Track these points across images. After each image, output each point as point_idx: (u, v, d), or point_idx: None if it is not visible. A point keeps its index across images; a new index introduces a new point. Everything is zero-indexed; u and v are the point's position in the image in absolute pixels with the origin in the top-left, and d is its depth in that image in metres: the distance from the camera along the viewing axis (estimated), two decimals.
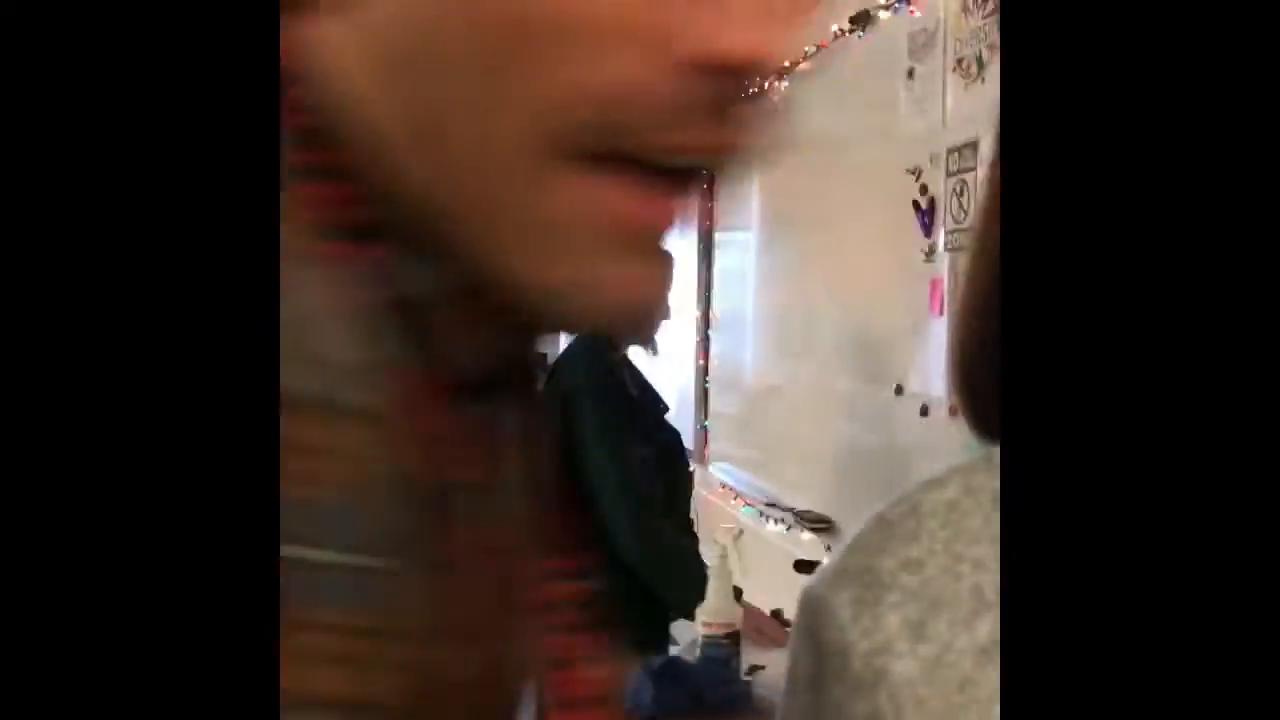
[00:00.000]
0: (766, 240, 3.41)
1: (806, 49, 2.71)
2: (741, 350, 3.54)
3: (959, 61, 2.08)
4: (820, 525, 2.65)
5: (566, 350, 2.38)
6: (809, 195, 2.88)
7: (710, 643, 1.85)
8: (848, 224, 2.64)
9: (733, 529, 2.00)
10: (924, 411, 2.18)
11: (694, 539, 2.34)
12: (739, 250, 3.60)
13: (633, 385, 2.30)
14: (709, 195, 3.70)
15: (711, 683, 1.80)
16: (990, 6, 1.96)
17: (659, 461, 2.24)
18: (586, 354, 2.27)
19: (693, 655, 1.91)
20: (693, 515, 2.53)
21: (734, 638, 1.86)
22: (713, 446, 3.84)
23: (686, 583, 2.06)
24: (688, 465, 2.43)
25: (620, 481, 2.12)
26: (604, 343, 2.25)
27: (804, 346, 2.94)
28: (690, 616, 1.99)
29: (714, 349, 3.85)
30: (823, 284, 2.80)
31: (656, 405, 2.39)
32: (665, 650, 2.16)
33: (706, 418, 3.97)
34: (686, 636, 2.21)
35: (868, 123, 2.52)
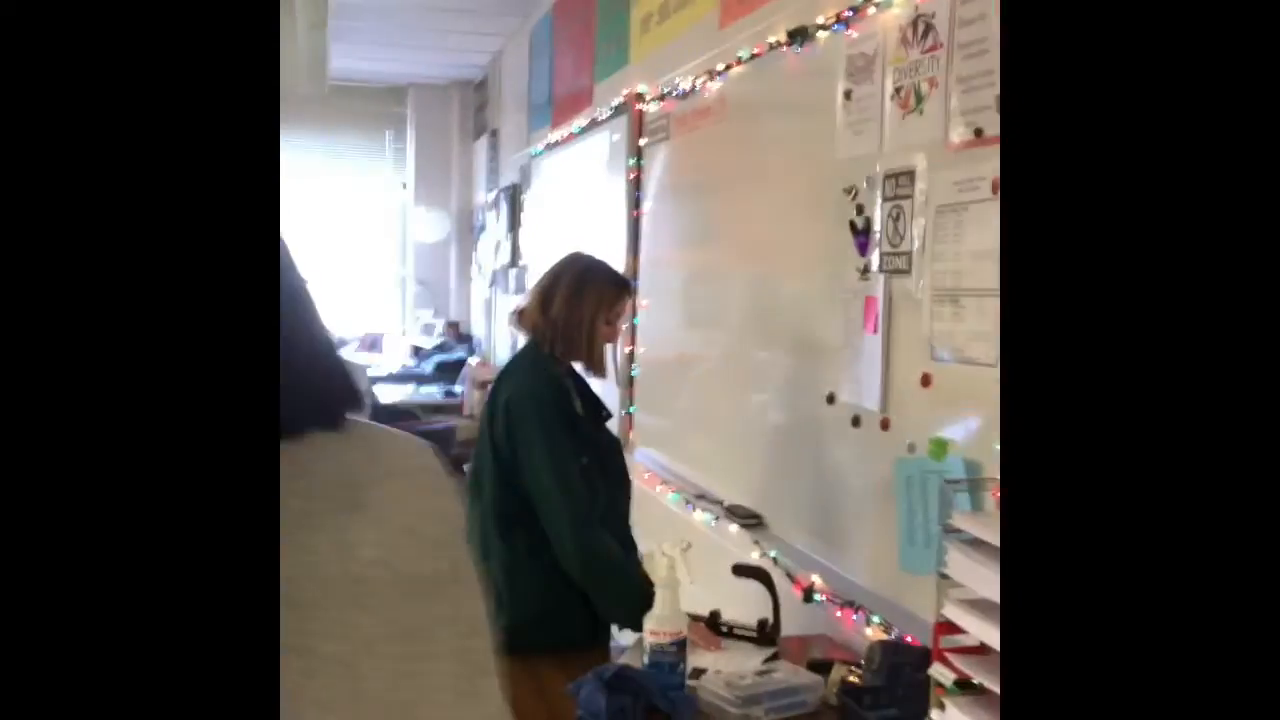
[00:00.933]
0: (697, 239, 3.40)
1: (742, 54, 2.96)
2: (669, 338, 3.60)
3: (897, 90, 2.14)
4: (749, 521, 2.77)
5: (511, 361, 2.48)
6: (747, 199, 2.99)
7: (658, 650, 1.93)
8: (785, 233, 2.73)
9: (681, 541, 2.04)
10: (855, 422, 2.28)
11: (633, 549, 2.39)
12: (678, 225, 3.62)
13: (575, 394, 2.34)
14: (637, 185, 3.81)
15: (660, 689, 1.87)
16: (930, 42, 2.03)
17: (599, 470, 2.29)
18: (530, 365, 2.34)
19: (640, 661, 1.99)
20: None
21: (680, 645, 1.94)
22: (638, 432, 3.85)
23: (624, 598, 2.13)
24: (627, 474, 2.49)
25: (560, 493, 2.17)
26: (548, 355, 2.33)
27: (735, 342, 3.04)
28: (632, 626, 2.11)
29: (643, 335, 3.83)
30: (759, 286, 2.90)
31: (598, 413, 2.44)
32: (608, 654, 2.30)
33: (632, 404, 3.91)
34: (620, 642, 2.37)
35: (804, 136, 2.59)
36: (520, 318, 2.41)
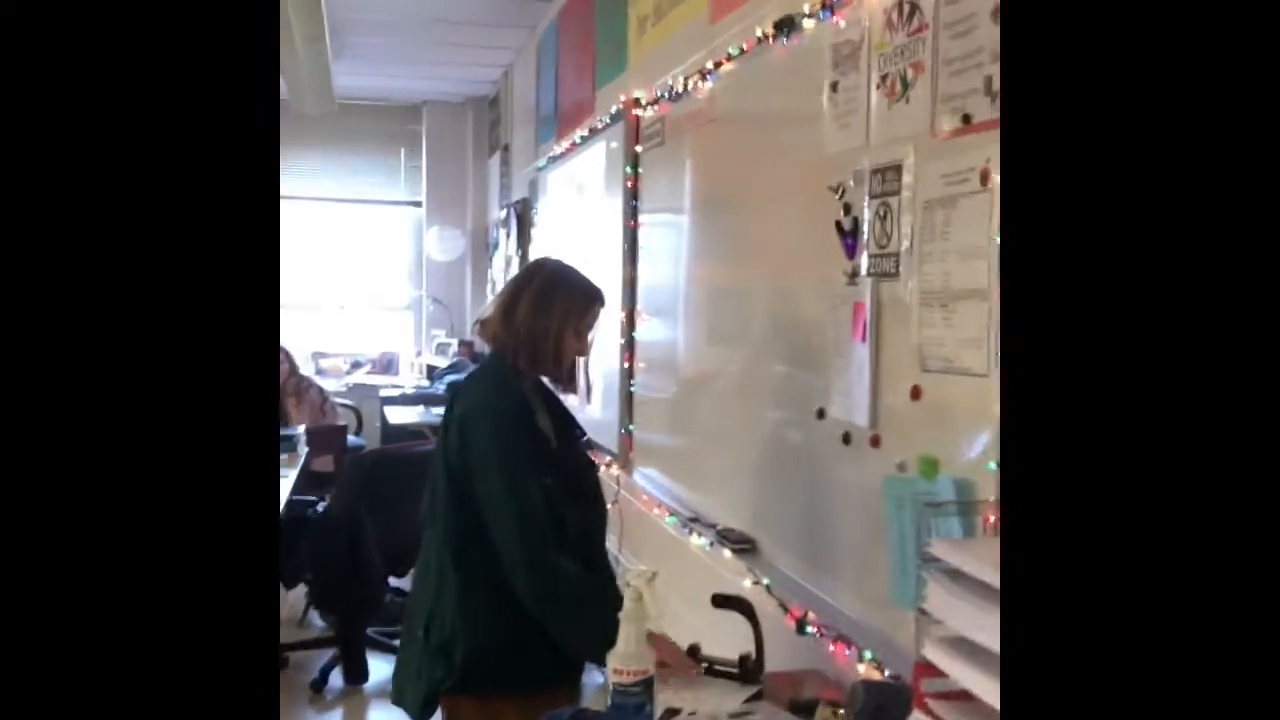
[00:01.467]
0: (693, 249, 3.25)
1: (731, 50, 2.79)
2: (666, 352, 3.41)
3: (883, 78, 1.98)
4: (742, 546, 2.60)
5: (470, 374, 2.32)
6: (737, 204, 2.84)
7: (621, 690, 1.74)
8: (778, 238, 2.57)
9: (646, 571, 1.83)
10: (846, 439, 2.10)
11: (608, 576, 2.22)
12: (673, 232, 3.47)
13: (543, 410, 2.17)
14: (634, 193, 3.65)
15: None
16: (915, 24, 1.87)
17: (569, 493, 2.10)
18: (489, 377, 2.18)
19: (604, 703, 1.80)
20: (616, 536, 2.38)
21: (647, 684, 1.76)
22: (637, 451, 3.67)
23: (588, 629, 1.91)
24: (602, 498, 2.27)
25: (514, 514, 1.97)
26: (511, 368, 2.14)
27: (732, 355, 2.88)
28: (599, 661, 1.87)
29: (641, 350, 3.66)
30: (754, 297, 2.74)
31: (569, 432, 2.25)
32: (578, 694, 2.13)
33: (631, 422, 3.71)
34: (597, 679, 2.17)
35: (793, 134, 2.44)
36: (483, 327, 2.22)
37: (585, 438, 2.32)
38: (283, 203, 6.69)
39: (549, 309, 2.13)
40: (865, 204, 2.03)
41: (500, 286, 6.91)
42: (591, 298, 2.20)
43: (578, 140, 4.57)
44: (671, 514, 3.12)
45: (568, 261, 2.28)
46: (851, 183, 2.09)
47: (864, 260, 2.04)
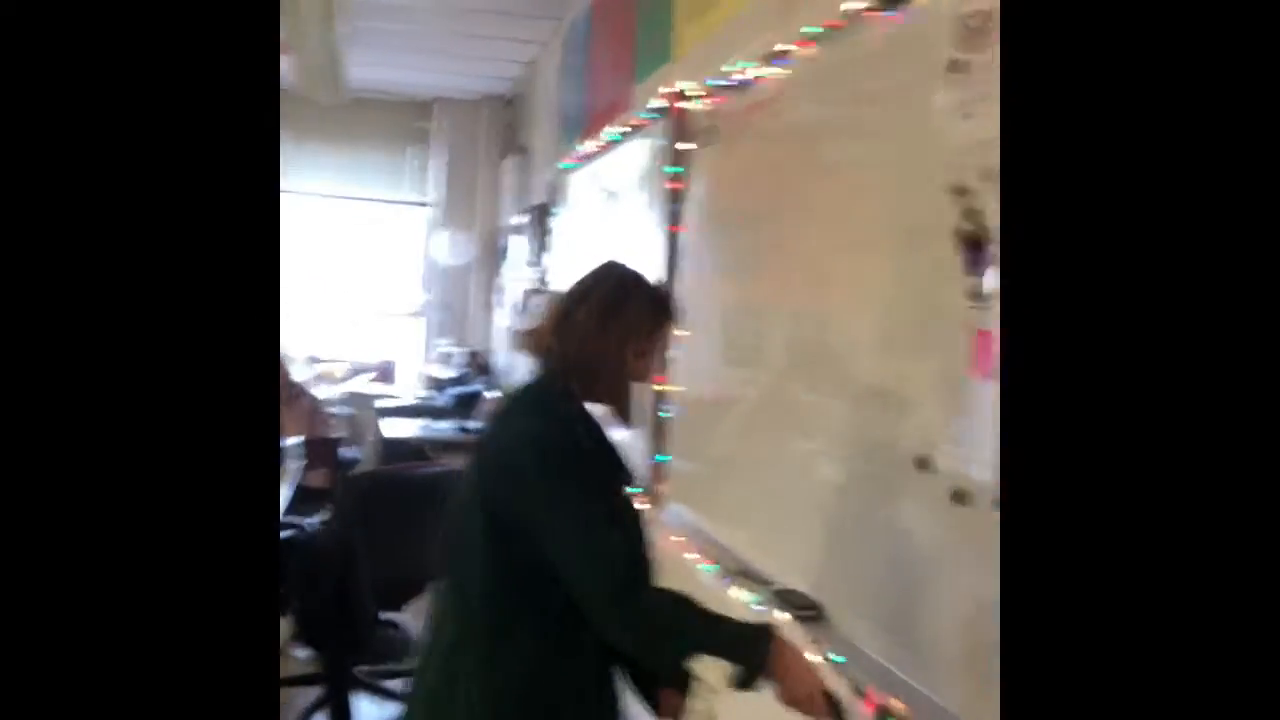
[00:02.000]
0: (749, 260, 2.85)
1: (808, 30, 2.37)
2: (710, 376, 3.03)
3: None
4: (806, 613, 2.19)
5: (509, 398, 1.88)
6: (810, 216, 2.42)
7: None
8: (861, 250, 2.17)
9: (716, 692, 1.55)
10: (959, 498, 1.74)
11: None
12: (720, 242, 3.10)
13: (592, 445, 1.79)
14: (677, 198, 3.27)
15: None
16: None
17: (625, 539, 1.71)
18: (533, 403, 1.79)
19: None
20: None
21: None
22: (671, 486, 3.29)
23: (685, 655, 1.65)
24: (650, 554, 1.85)
25: (592, 557, 1.61)
26: (561, 391, 1.78)
27: (791, 385, 2.49)
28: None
29: (680, 372, 3.23)
30: (824, 319, 2.35)
31: (617, 474, 1.88)
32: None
33: (663, 451, 3.33)
34: None
35: (890, 127, 2.06)
36: (530, 339, 1.84)
37: (633, 481, 1.91)
38: (284, 196, 6.23)
39: (613, 323, 1.76)
40: (998, 208, 1.65)
41: (510, 296, 6.55)
42: (664, 313, 1.83)
43: (610, 140, 4.20)
44: (713, 562, 2.72)
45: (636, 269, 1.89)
46: (978, 182, 1.71)
47: (993, 276, 1.65)
